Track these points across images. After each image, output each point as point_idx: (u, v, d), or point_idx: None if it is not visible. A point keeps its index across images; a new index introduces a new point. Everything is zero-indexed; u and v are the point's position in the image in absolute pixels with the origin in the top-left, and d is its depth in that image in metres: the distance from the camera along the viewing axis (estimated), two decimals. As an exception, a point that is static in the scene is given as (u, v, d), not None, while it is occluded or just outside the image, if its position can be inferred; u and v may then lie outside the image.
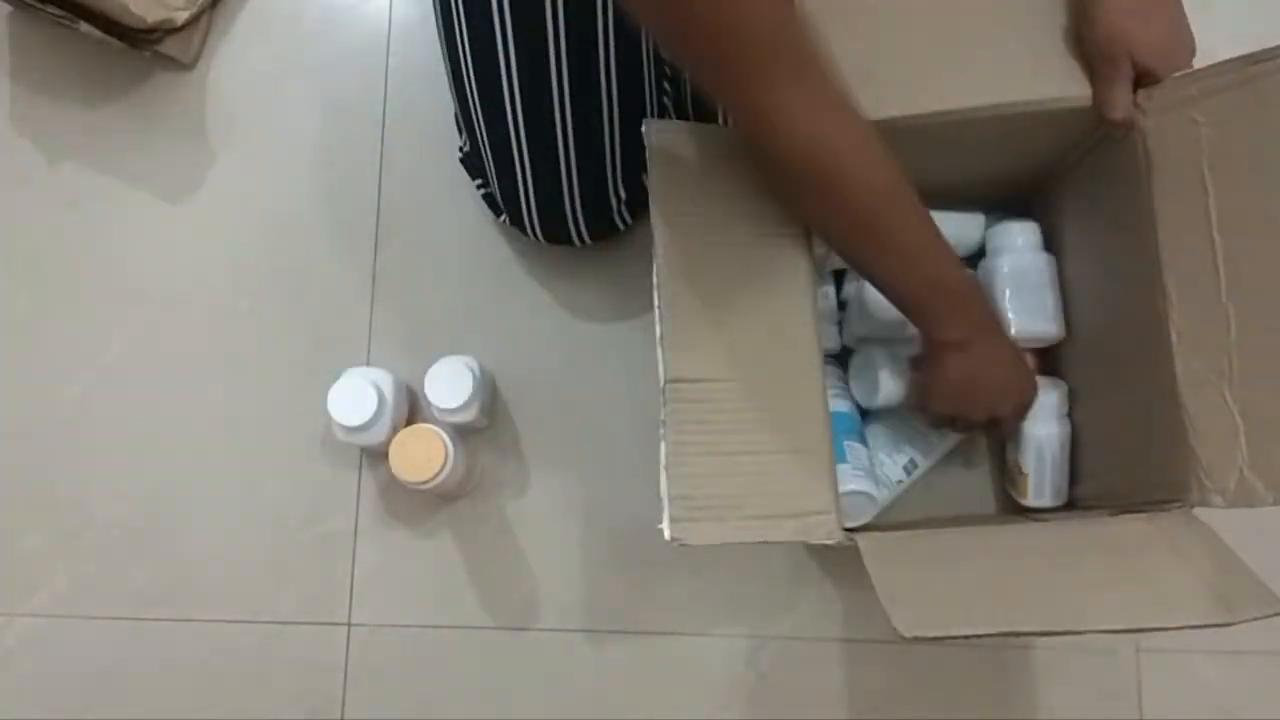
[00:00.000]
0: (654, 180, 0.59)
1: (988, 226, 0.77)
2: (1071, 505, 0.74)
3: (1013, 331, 0.72)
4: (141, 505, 0.85)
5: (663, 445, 0.54)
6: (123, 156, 0.92)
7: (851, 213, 0.56)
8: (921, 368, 0.67)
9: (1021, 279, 0.73)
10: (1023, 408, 0.69)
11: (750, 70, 0.50)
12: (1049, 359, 0.77)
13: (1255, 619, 0.47)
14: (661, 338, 0.56)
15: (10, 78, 0.94)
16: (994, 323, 0.66)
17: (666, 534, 0.52)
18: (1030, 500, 0.74)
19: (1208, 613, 0.48)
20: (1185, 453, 0.56)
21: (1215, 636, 0.76)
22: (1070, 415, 0.74)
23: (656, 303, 0.57)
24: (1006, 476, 0.77)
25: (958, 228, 0.76)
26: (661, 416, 0.55)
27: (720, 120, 0.72)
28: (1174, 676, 0.77)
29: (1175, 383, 0.57)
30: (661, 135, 0.60)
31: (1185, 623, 0.48)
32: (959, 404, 0.67)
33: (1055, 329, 0.73)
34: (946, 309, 0.62)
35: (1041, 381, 0.71)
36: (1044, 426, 0.73)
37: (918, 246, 0.59)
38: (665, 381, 0.55)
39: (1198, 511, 0.56)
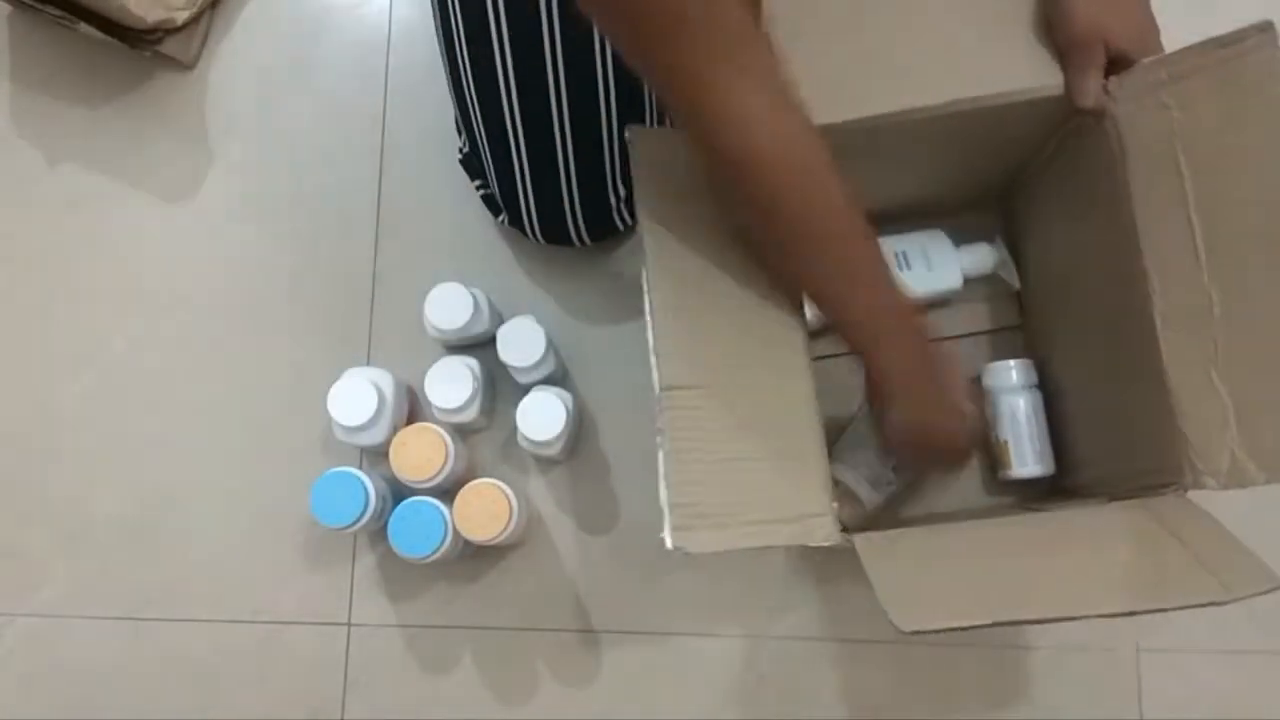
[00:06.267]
0: (640, 188, 0.59)
1: (961, 262, 0.77)
2: (1067, 495, 0.75)
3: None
4: (141, 505, 0.85)
5: (660, 454, 0.54)
6: (123, 156, 0.92)
7: (785, 210, 0.53)
8: (875, 409, 0.65)
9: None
10: (964, 455, 0.71)
11: (681, 37, 0.47)
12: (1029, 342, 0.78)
13: (1253, 595, 0.47)
14: (654, 345, 0.56)
15: (10, 78, 0.94)
16: (939, 361, 0.63)
17: (669, 543, 0.53)
18: (1015, 469, 0.74)
19: (1204, 592, 0.48)
20: (1176, 436, 0.56)
21: (1215, 636, 0.77)
22: (1044, 390, 0.76)
23: (648, 310, 0.57)
24: (993, 459, 0.78)
25: (924, 245, 0.77)
26: (658, 425, 0.55)
27: None
28: (1174, 676, 0.77)
29: (1162, 367, 0.57)
30: (646, 141, 0.60)
31: (1182, 603, 0.48)
32: (910, 449, 0.66)
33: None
34: (890, 338, 0.59)
35: (1007, 362, 0.75)
36: (1012, 394, 0.75)
37: (859, 261, 0.56)
38: (660, 389, 0.55)
39: (1194, 495, 0.56)
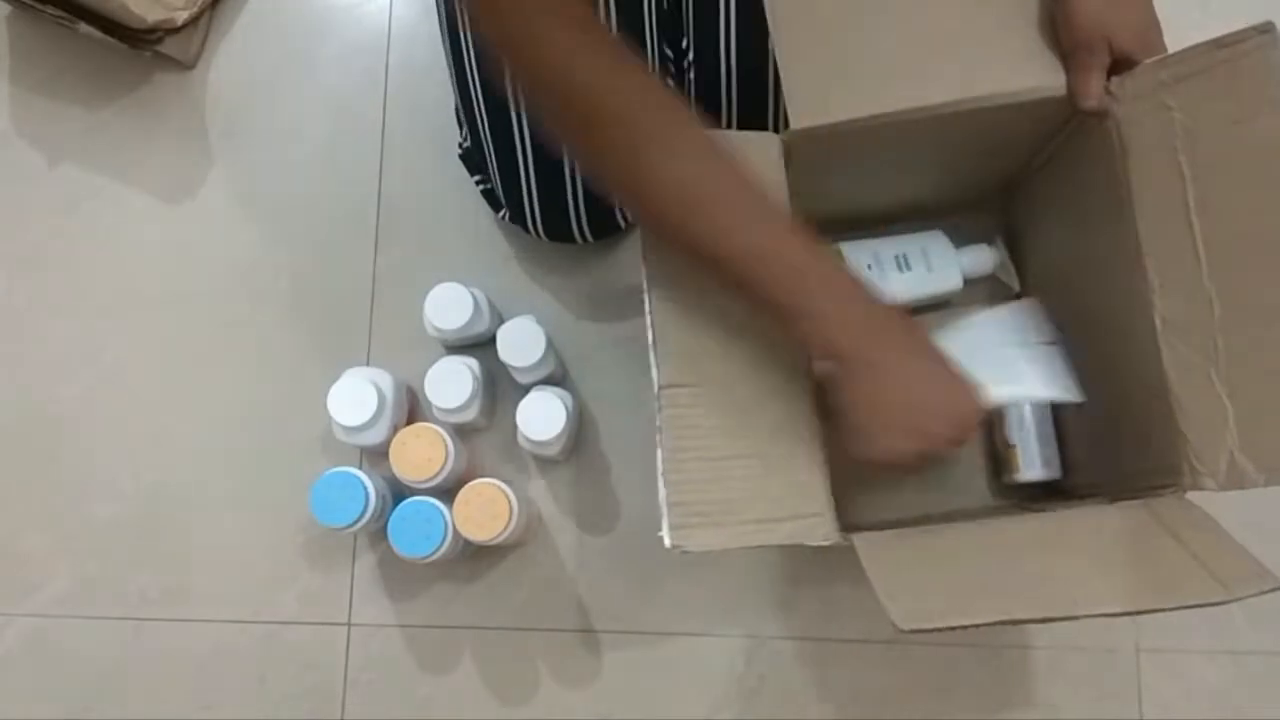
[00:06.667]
0: None
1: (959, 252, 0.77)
2: (1066, 495, 0.75)
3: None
4: (141, 505, 0.85)
5: (659, 452, 0.54)
6: (123, 156, 0.92)
7: (617, 137, 0.50)
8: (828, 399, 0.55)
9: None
10: (963, 429, 0.54)
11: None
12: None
13: (1252, 595, 0.47)
14: (653, 344, 0.56)
15: (10, 78, 0.94)
16: (894, 324, 0.53)
17: (667, 541, 0.53)
18: (1022, 473, 0.74)
19: (1204, 592, 0.48)
20: (1176, 438, 0.56)
21: (1215, 637, 0.77)
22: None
23: (647, 309, 0.57)
24: (999, 461, 0.77)
25: (923, 246, 0.77)
26: (657, 423, 0.55)
27: (724, 124, 0.72)
28: (1174, 676, 0.77)
29: (1162, 368, 0.57)
30: None
31: (1183, 603, 0.48)
32: (900, 436, 0.53)
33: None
34: (804, 273, 0.50)
35: None
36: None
37: (730, 202, 0.50)
38: (659, 388, 0.55)
39: (1193, 496, 0.57)
